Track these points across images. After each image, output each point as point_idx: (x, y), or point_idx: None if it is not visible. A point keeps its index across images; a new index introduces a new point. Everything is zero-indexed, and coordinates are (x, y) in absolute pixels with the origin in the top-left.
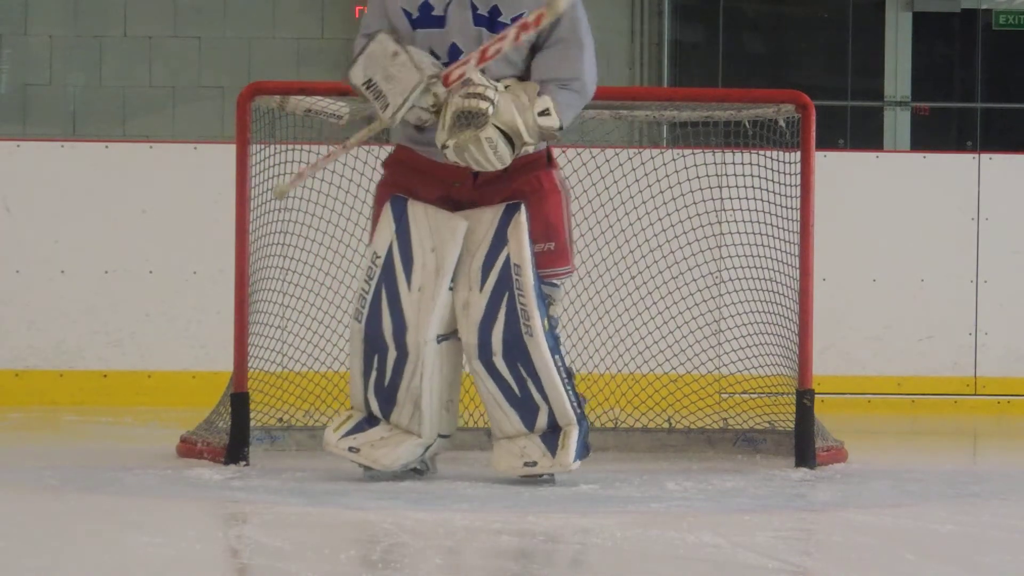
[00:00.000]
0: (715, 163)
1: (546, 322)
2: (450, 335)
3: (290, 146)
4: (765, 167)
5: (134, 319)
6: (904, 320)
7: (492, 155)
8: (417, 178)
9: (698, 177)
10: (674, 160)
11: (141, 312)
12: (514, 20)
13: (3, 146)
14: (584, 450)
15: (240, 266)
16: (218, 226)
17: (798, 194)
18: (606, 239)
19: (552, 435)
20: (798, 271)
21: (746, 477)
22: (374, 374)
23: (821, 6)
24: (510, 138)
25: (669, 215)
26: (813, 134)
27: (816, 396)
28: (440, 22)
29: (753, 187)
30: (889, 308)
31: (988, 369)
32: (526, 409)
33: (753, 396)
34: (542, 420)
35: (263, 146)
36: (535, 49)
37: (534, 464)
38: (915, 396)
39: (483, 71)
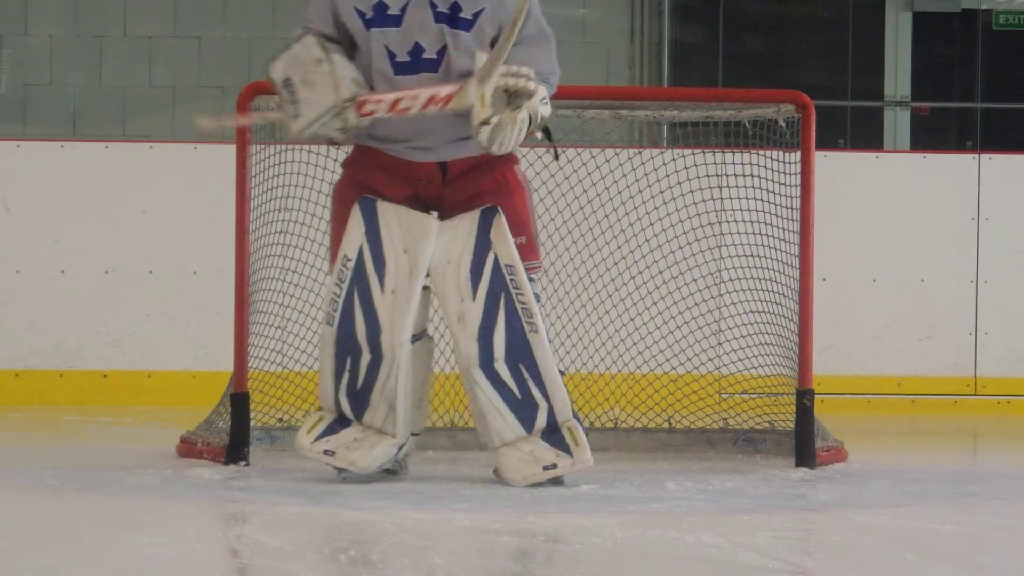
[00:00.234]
0: (715, 163)
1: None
2: (421, 335)
3: (290, 146)
4: (765, 167)
5: (134, 319)
6: (904, 320)
7: (517, 137)
8: (382, 177)
9: (698, 177)
10: (674, 160)
11: (141, 312)
12: (475, 16)
13: (3, 146)
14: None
15: (240, 266)
16: (218, 226)
17: (798, 194)
18: (606, 239)
19: (553, 435)
20: (798, 271)
21: (746, 477)
22: (346, 376)
23: (821, 6)
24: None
25: (669, 215)
26: (813, 134)
27: (816, 396)
28: (397, 21)
29: (753, 187)
30: (889, 308)
31: (988, 369)
32: (525, 410)
33: (753, 396)
34: (540, 419)
35: (263, 146)
36: (495, 43)
37: (554, 467)
38: (915, 396)
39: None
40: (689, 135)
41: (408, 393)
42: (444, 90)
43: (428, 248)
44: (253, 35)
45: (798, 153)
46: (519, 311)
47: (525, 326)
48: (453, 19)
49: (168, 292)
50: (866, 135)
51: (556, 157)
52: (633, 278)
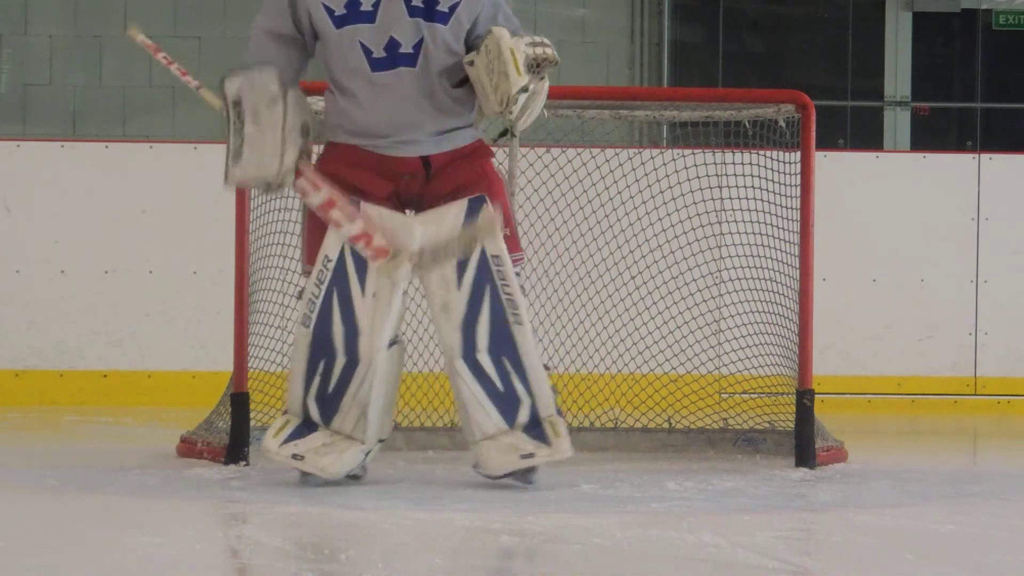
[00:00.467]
0: (715, 163)
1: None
2: (395, 339)
3: None
4: (765, 167)
5: (134, 319)
6: (904, 320)
7: (540, 108)
8: (362, 174)
9: (698, 177)
10: (674, 160)
11: (141, 312)
12: (452, 9)
13: (3, 146)
14: None
15: (240, 266)
16: (218, 226)
17: (798, 194)
18: (606, 239)
19: (535, 428)
20: (798, 271)
21: (746, 477)
22: (317, 379)
23: (821, 6)
24: None
25: (669, 215)
26: (813, 134)
27: (816, 396)
28: (371, 17)
29: (753, 187)
30: (889, 308)
31: (988, 369)
32: (508, 404)
33: (753, 396)
34: (523, 414)
35: None
36: (471, 36)
37: (531, 455)
38: (915, 396)
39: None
40: (689, 135)
41: (380, 399)
42: (340, 201)
43: (410, 252)
44: None
45: (798, 153)
46: (504, 302)
47: (510, 317)
48: (429, 13)
49: (168, 292)
50: (866, 135)
51: (502, 136)
52: (633, 278)
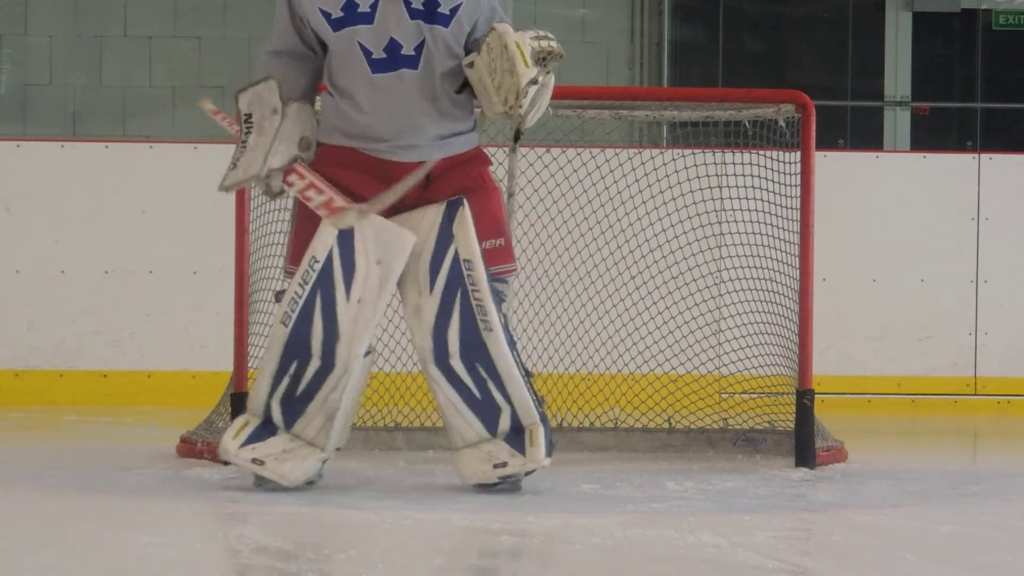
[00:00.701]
0: (715, 163)
1: (502, 318)
2: (370, 349)
3: None
4: (765, 167)
5: (134, 319)
6: (904, 320)
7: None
8: (361, 178)
9: (698, 177)
10: (674, 160)
11: (141, 312)
12: (453, 11)
13: (3, 146)
14: (551, 448)
15: (240, 266)
16: (218, 226)
17: (798, 194)
18: (606, 239)
19: (516, 436)
20: (798, 271)
21: (746, 477)
22: (286, 381)
23: (821, 6)
24: None
25: (669, 215)
26: (813, 134)
27: (816, 396)
28: (368, 18)
29: (753, 187)
30: (889, 308)
31: (988, 369)
32: (487, 412)
33: (753, 396)
34: (504, 422)
35: None
36: (470, 39)
37: (504, 464)
38: (915, 396)
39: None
40: (689, 135)
41: (348, 407)
42: (339, 200)
43: (402, 264)
44: (253, 35)
45: (798, 153)
46: (474, 308)
47: (480, 324)
48: (430, 15)
49: (168, 292)
50: (866, 135)
51: (515, 139)
52: (633, 278)
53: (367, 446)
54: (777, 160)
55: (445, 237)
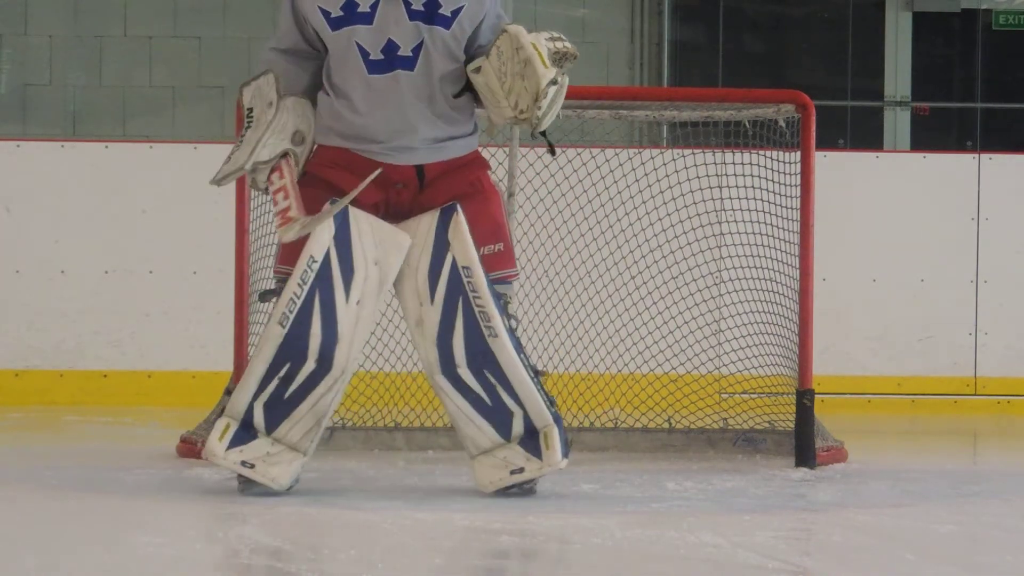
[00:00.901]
0: (715, 163)
1: (506, 321)
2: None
3: None
4: (765, 167)
5: (134, 319)
6: (904, 320)
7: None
8: (351, 179)
9: (698, 177)
10: (674, 160)
11: (141, 312)
12: (454, 13)
13: (3, 146)
14: (567, 449)
15: (240, 266)
16: (218, 226)
17: (798, 194)
18: (606, 239)
19: (531, 440)
20: (798, 271)
21: (746, 477)
22: (274, 383)
23: (821, 6)
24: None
25: (669, 215)
26: (813, 134)
27: (816, 396)
28: (368, 18)
29: (753, 187)
30: (889, 308)
31: (988, 369)
32: (499, 417)
33: (753, 396)
34: (518, 426)
35: None
36: (472, 44)
37: (521, 470)
38: (915, 396)
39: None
40: (689, 135)
41: (334, 410)
42: (294, 211)
43: (399, 265)
44: (253, 35)
45: (798, 153)
46: (477, 315)
47: (484, 330)
48: (431, 16)
49: (168, 292)
50: (866, 135)
51: (552, 153)
52: (633, 278)
53: (367, 446)
54: (777, 160)
55: (441, 245)
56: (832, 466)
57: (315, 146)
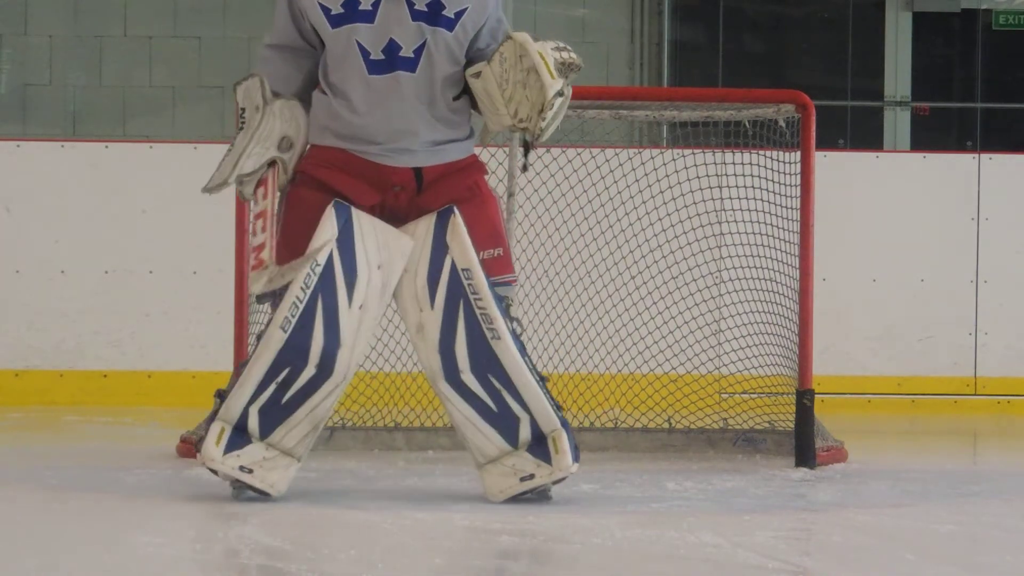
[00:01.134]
0: (715, 163)
1: (509, 324)
2: None
3: None
4: (765, 167)
5: (134, 319)
6: (904, 320)
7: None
8: (351, 181)
9: (698, 177)
10: (674, 160)
11: (141, 312)
12: (458, 15)
13: (3, 146)
14: (577, 452)
15: (240, 266)
16: (218, 226)
17: (798, 194)
18: (606, 239)
19: (539, 446)
20: (798, 271)
21: (746, 477)
22: (271, 388)
23: (821, 6)
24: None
25: (669, 215)
26: (813, 134)
27: (816, 396)
28: (369, 17)
29: (753, 187)
30: (889, 308)
31: (988, 369)
32: (506, 423)
33: (753, 396)
34: (525, 432)
35: None
36: (471, 47)
37: (531, 477)
38: (915, 396)
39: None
40: (689, 135)
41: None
42: (266, 253)
43: (401, 268)
44: (253, 35)
45: (798, 153)
46: (479, 317)
47: (487, 333)
48: (434, 17)
49: (168, 292)
50: (866, 135)
51: (524, 169)
52: (633, 278)
53: (367, 446)
54: (777, 160)
55: (439, 248)
56: (832, 466)
57: (308, 146)
